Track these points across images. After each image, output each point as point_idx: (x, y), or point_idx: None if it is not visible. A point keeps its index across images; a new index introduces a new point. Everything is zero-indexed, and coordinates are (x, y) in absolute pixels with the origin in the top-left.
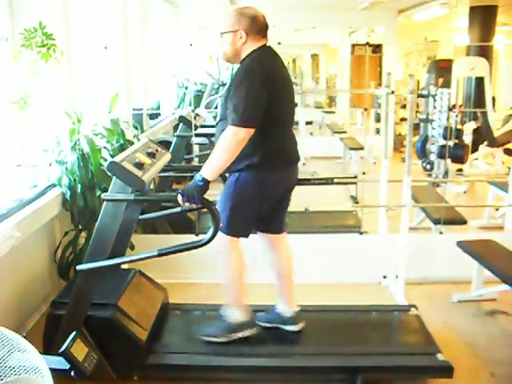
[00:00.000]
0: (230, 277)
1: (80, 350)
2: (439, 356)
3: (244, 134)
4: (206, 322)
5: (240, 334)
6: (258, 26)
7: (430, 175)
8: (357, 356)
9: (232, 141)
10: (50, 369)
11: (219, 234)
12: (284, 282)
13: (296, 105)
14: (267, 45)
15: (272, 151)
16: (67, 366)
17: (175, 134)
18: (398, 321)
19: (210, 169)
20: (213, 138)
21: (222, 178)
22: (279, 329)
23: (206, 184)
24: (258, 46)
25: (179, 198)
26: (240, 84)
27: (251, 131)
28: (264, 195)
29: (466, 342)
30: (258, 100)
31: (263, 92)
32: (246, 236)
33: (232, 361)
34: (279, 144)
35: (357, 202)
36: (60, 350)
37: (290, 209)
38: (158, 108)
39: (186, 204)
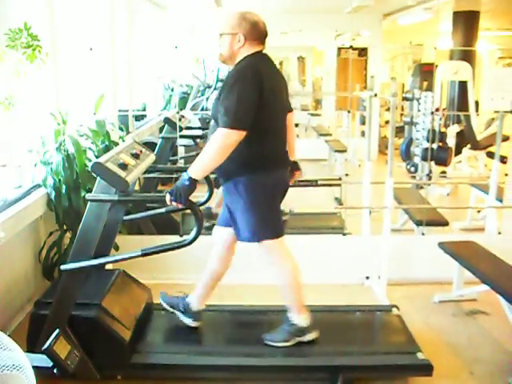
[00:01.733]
0: (288, 284)
1: (63, 348)
2: (419, 355)
3: (235, 137)
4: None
5: (300, 339)
6: (257, 32)
7: (414, 177)
8: (338, 355)
9: (222, 143)
10: (33, 367)
11: (260, 245)
12: (210, 282)
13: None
14: (263, 51)
15: (268, 153)
16: (50, 364)
17: (160, 135)
18: (380, 321)
19: (198, 169)
20: (198, 140)
21: (206, 179)
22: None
23: (192, 184)
24: (252, 52)
25: (167, 197)
26: (232, 87)
27: (242, 134)
28: (274, 190)
29: (446, 342)
30: (249, 103)
31: (255, 96)
32: (282, 233)
33: (214, 360)
34: (273, 147)
35: (341, 204)
36: (43, 348)
37: None
38: (144, 109)
39: (174, 203)
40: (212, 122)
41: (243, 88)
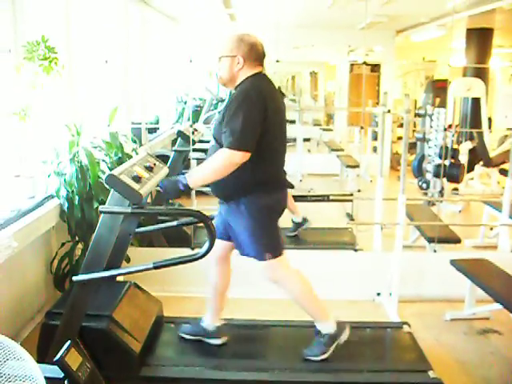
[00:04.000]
0: (302, 298)
1: (74, 359)
2: (431, 373)
3: (239, 158)
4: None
5: (339, 341)
6: (255, 54)
7: (425, 194)
8: (349, 372)
9: (225, 162)
10: (44, 377)
11: (264, 264)
12: (217, 298)
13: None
14: (262, 72)
15: (269, 175)
16: (61, 375)
17: (173, 148)
18: (391, 338)
19: (197, 180)
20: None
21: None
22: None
23: (186, 190)
24: (252, 73)
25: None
26: (237, 108)
27: (247, 155)
28: (275, 211)
29: (458, 360)
30: (254, 125)
31: (259, 117)
32: (283, 251)
33: (224, 374)
34: (275, 168)
35: (352, 220)
36: (54, 359)
37: (286, 225)
38: (157, 122)
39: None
40: (212, 141)
41: (248, 109)
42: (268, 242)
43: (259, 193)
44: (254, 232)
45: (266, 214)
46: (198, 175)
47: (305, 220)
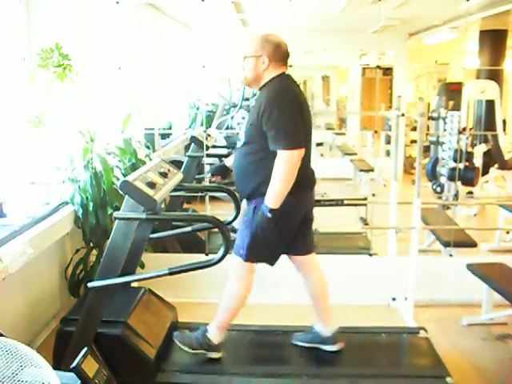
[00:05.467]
0: (231, 300)
1: (91, 367)
2: (448, 379)
3: (297, 156)
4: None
5: (204, 352)
6: (280, 54)
7: (440, 198)
8: (365, 378)
9: (287, 165)
10: None
11: (237, 258)
12: (317, 304)
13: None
14: (286, 73)
15: (300, 174)
16: (78, 382)
17: (187, 154)
18: (407, 343)
19: (273, 198)
20: (224, 159)
21: (232, 194)
22: (316, 349)
23: (274, 214)
24: (278, 73)
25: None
26: (276, 108)
27: (302, 151)
28: (283, 221)
29: (476, 366)
30: (297, 121)
31: (298, 114)
32: (271, 263)
33: (239, 381)
34: (305, 167)
35: (366, 224)
36: (71, 366)
37: None
38: (170, 128)
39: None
40: (239, 143)
41: (287, 107)
42: (253, 245)
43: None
44: (248, 227)
45: (280, 217)
46: (272, 193)
47: None
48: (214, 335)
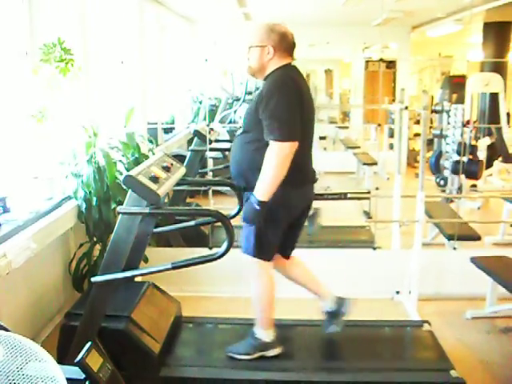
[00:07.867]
0: (259, 299)
1: (95, 361)
2: (453, 372)
3: (289, 148)
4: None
5: (262, 353)
6: (286, 44)
7: (443, 191)
8: (369, 371)
9: (278, 157)
10: (66, 379)
11: (248, 256)
12: (310, 286)
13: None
14: (292, 63)
15: (295, 168)
16: (82, 376)
17: (190, 148)
18: (411, 336)
19: (263, 190)
20: (227, 153)
21: (235, 188)
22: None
23: (263, 206)
24: (283, 64)
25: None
26: (275, 99)
27: (295, 144)
28: (285, 213)
29: (480, 359)
30: (295, 113)
31: (298, 106)
32: (270, 258)
33: (244, 374)
34: (301, 161)
35: (370, 217)
36: (76, 360)
37: None
38: (173, 122)
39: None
40: (239, 131)
41: (287, 99)
42: (260, 240)
43: (284, 185)
44: (256, 226)
45: (280, 210)
46: (262, 185)
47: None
48: (263, 335)
